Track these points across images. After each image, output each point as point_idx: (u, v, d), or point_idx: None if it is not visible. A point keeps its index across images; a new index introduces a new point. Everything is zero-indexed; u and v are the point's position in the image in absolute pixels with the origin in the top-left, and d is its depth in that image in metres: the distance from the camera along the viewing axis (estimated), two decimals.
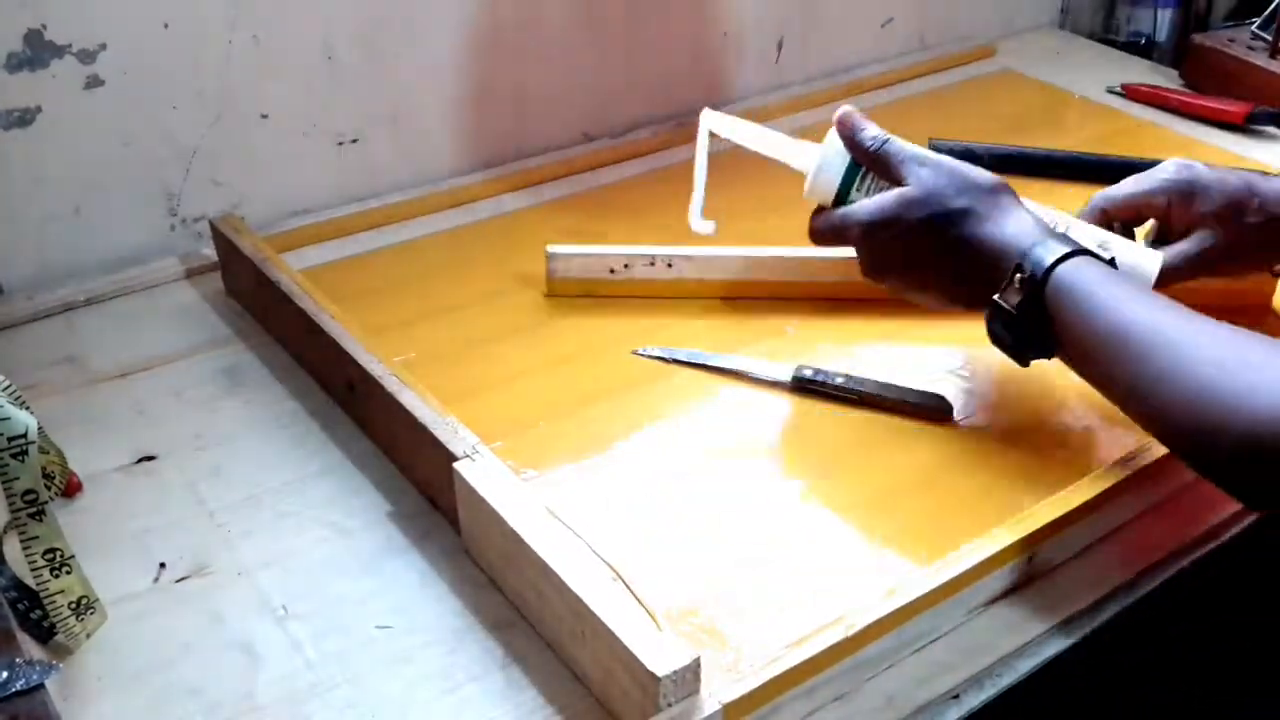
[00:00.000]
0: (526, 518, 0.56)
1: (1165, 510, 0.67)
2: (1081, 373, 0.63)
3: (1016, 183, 0.68)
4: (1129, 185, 0.77)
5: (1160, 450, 0.65)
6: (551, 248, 0.82)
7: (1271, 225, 0.74)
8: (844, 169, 0.69)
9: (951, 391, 0.74)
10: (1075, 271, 0.61)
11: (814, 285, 0.83)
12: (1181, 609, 0.65)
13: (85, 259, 0.85)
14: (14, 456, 0.51)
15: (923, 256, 0.66)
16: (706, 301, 0.83)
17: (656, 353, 0.78)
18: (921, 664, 0.57)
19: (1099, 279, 0.61)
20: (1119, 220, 0.77)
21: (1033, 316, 0.62)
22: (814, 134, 1.07)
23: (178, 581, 0.61)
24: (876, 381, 0.73)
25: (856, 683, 0.55)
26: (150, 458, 0.69)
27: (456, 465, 0.60)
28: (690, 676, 0.49)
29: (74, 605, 0.55)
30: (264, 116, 0.89)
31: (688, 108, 1.10)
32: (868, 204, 0.67)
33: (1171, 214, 0.75)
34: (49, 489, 0.61)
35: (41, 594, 0.54)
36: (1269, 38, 1.17)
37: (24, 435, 0.52)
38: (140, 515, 0.65)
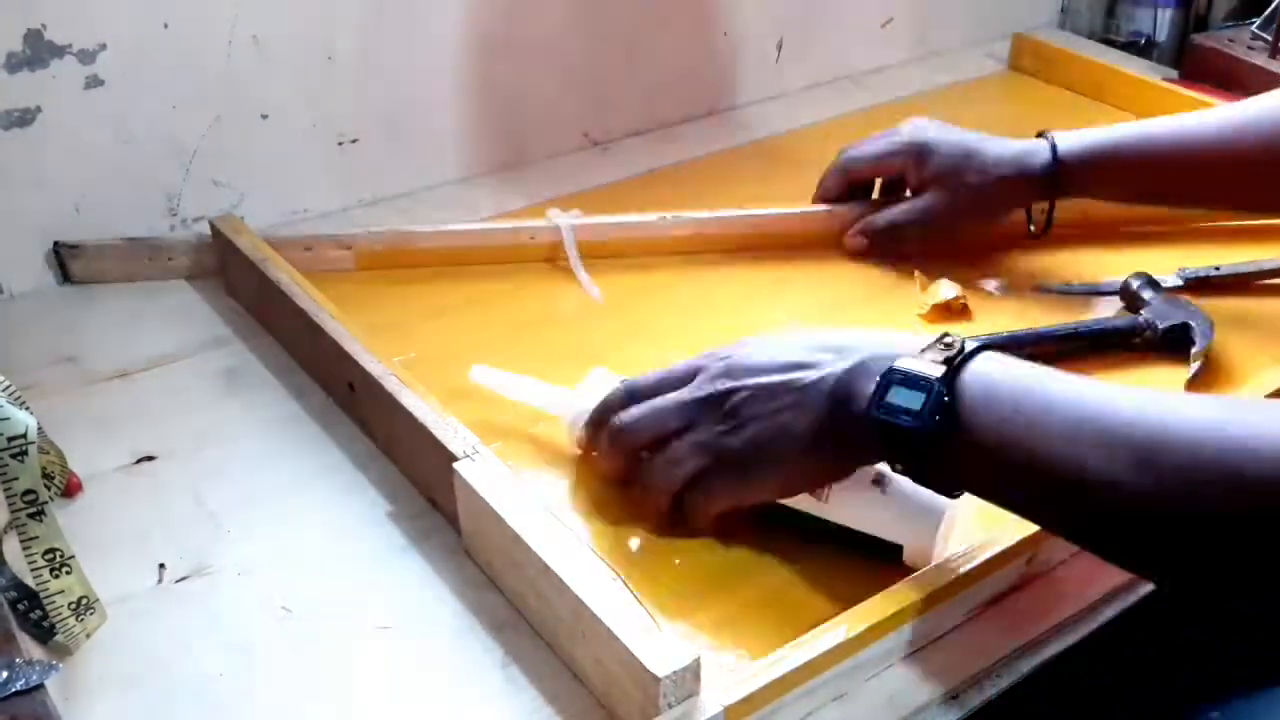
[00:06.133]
0: (526, 518, 0.56)
1: None
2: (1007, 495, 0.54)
3: None
4: (869, 146, 0.87)
5: None
6: None
7: (988, 185, 0.83)
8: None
9: None
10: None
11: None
12: (1181, 610, 0.65)
13: None
14: (13, 456, 0.51)
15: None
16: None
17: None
18: (921, 664, 0.57)
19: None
20: (858, 182, 0.88)
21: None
22: (812, 133, 1.09)
23: (178, 581, 0.61)
24: None
25: (856, 683, 0.55)
26: (150, 458, 0.69)
27: (456, 465, 0.60)
28: (690, 677, 0.49)
29: (74, 605, 0.55)
30: (264, 116, 0.89)
31: (689, 108, 1.10)
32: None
33: (907, 174, 0.86)
34: (49, 489, 0.61)
35: (41, 594, 0.54)
36: (1269, 38, 1.17)
37: (23, 435, 0.51)
38: (140, 515, 0.65)
